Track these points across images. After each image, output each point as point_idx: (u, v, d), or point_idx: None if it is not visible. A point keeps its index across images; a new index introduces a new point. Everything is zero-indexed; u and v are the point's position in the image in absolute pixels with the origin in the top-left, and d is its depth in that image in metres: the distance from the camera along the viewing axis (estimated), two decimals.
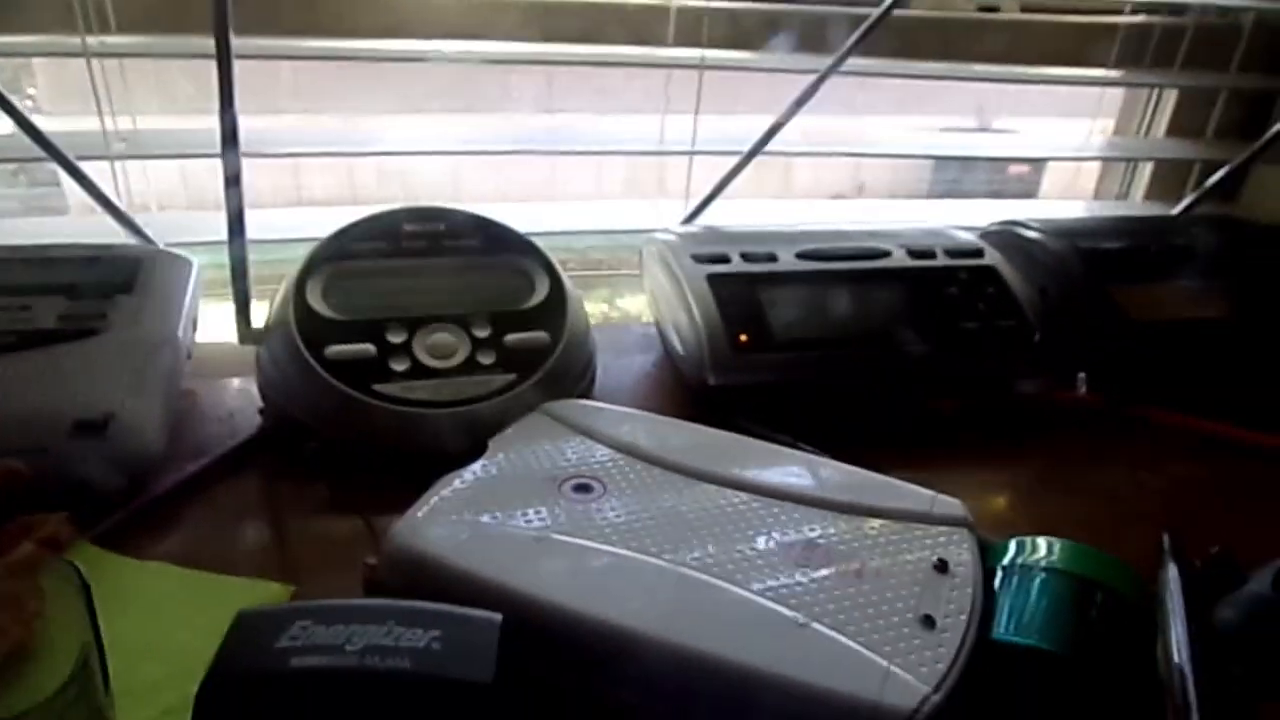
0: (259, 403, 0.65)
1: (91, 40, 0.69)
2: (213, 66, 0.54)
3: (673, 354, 0.71)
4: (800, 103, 0.79)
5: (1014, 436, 0.67)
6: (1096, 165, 1.16)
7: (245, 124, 0.57)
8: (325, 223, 0.67)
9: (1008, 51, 0.95)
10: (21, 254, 0.62)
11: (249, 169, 0.58)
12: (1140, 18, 0.98)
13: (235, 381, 0.68)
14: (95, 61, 0.72)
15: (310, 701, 0.36)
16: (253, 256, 0.60)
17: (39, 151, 0.65)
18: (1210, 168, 0.95)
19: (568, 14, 0.85)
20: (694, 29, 0.86)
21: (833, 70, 0.78)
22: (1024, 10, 0.97)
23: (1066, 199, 1.23)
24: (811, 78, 0.80)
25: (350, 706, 0.36)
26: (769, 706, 0.39)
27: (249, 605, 0.38)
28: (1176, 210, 0.96)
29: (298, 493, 0.57)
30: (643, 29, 0.87)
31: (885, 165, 1.28)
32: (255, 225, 0.59)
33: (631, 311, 0.92)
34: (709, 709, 0.40)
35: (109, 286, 0.60)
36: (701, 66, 0.82)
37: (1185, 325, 0.72)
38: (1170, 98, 1.06)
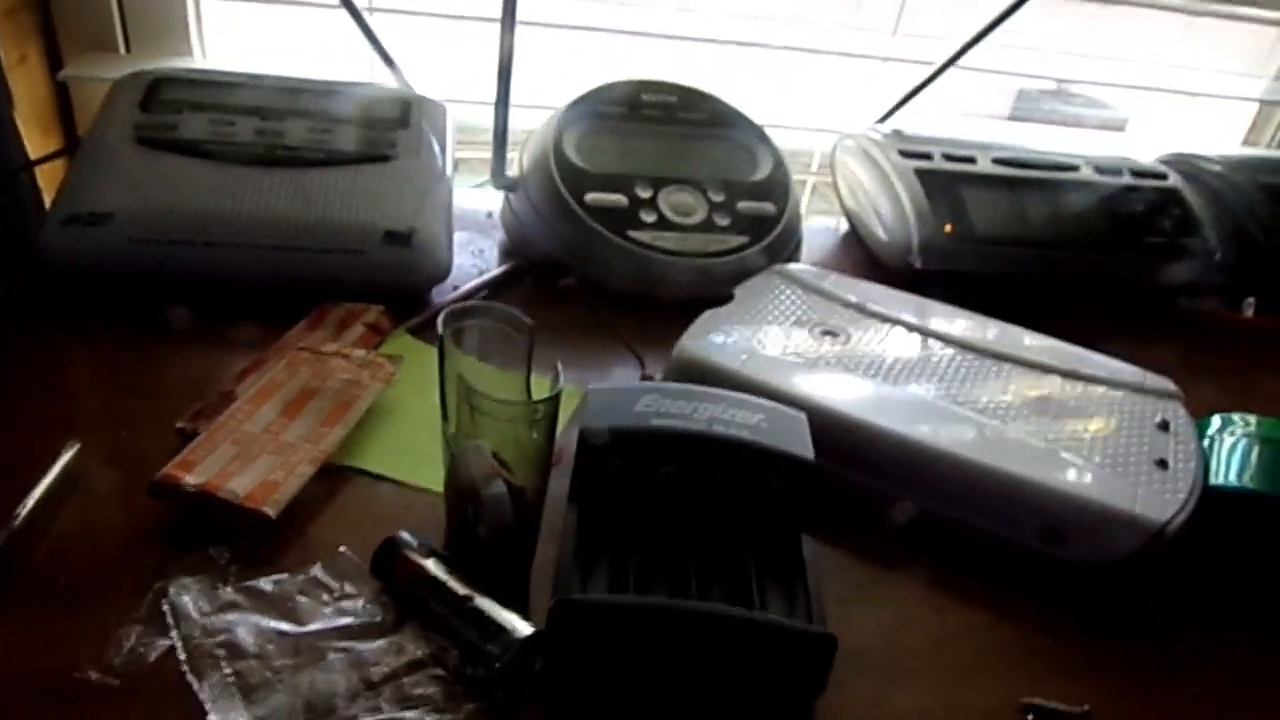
0: (498, 243, 0.72)
1: None
2: None
3: (869, 240, 0.77)
4: (1005, 16, 0.83)
5: (1187, 343, 0.72)
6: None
7: None
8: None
9: None
10: (319, 86, 0.68)
11: None
12: None
13: (471, 224, 0.74)
14: None
15: (668, 455, 0.43)
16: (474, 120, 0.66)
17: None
18: None
19: None
20: None
21: None
22: None
23: None
24: None
25: (699, 463, 0.43)
26: (1029, 510, 0.46)
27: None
28: None
29: (555, 318, 0.64)
30: None
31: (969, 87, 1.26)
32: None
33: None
34: (968, 507, 0.47)
35: (392, 122, 0.67)
36: None
37: None
38: None
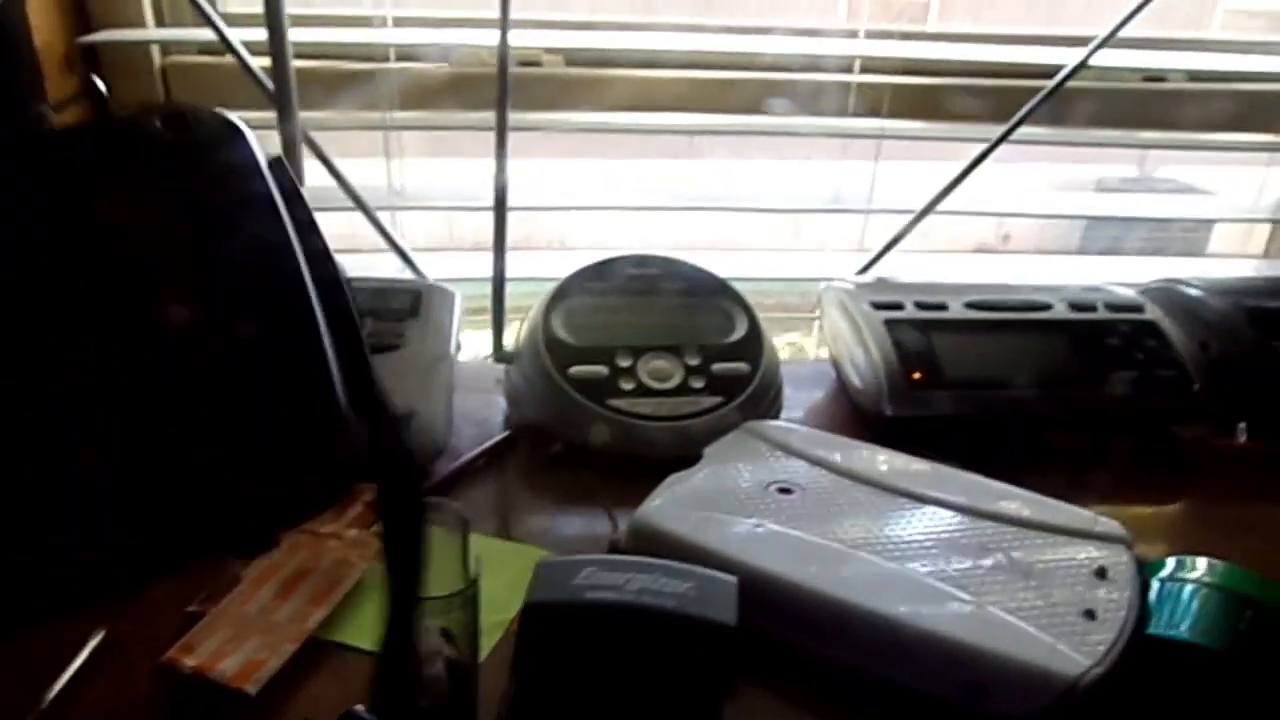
0: (502, 411, 0.80)
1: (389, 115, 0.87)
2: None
3: (849, 388, 0.81)
4: (971, 168, 0.88)
5: (1171, 475, 0.73)
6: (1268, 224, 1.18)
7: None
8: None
9: (1175, 118, 1.00)
10: None
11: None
12: None
13: (479, 393, 0.82)
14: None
15: (600, 625, 0.48)
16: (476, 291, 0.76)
17: (345, 202, 0.83)
18: None
19: (755, 87, 0.97)
20: (872, 99, 0.97)
21: (1004, 139, 0.87)
22: (1191, 80, 1.02)
23: (1238, 256, 1.25)
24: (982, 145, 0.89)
25: (629, 633, 0.48)
26: (952, 667, 0.48)
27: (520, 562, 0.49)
28: None
29: (544, 482, 0.71)
30: (825, 100, 0.99)
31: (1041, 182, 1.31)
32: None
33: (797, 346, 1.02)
34: (895, 665, 0.50)
35: (402, 312, 0.76)
36: (881, 136, 0.92)
37: None
38: None
